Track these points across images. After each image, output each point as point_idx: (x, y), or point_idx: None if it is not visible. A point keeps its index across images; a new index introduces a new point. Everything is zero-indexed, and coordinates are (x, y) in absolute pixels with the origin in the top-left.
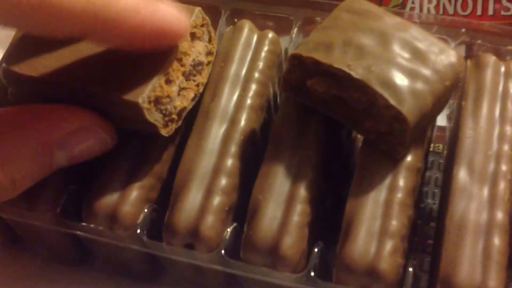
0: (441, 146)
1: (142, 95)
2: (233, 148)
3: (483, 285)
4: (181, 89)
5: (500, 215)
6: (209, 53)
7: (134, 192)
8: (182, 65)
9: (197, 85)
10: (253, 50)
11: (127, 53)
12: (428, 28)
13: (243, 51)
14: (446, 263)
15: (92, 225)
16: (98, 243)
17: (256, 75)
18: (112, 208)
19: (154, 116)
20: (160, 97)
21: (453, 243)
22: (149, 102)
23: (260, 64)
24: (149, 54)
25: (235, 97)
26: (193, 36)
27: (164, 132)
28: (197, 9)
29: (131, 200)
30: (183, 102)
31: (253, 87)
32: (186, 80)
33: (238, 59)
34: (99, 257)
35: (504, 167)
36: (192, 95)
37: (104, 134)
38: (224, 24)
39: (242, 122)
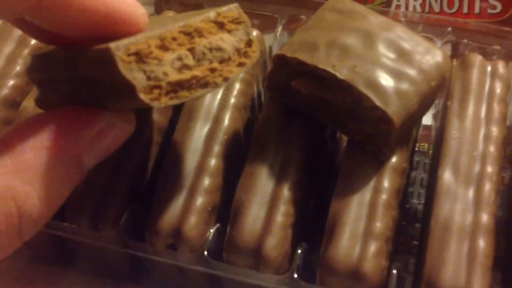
0: (426, 145)
1: (118, 43)
2: (217, 148)
3: (468, 287)
4: (185, 66)
5: (485, 217)
6: (243, 55)
7: (118, 193)
8: (192, 42)
9: (212, 71)
10: None
11: None
12: (413, 27)
13: None
14: (430, 265)
15: (74, 226)
16: (81, 244)
17: (240, 74)
18: (95, 209)
19: (133, 74)
20: (143, 54)
21: (438, 245)
22: (128, 54)
23: None
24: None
25: (218, 96)
26: (221, 25)
27: (145, 97)
28: (233, 5)
29: (115, 201)
30: (181, 76)
31: (237, 86)
32: (196, 62)
33: None
34: (83, 257)
35: (489, 168)
36: (197, 74)
37: (124, 123)
38: None
39: (226, 122)
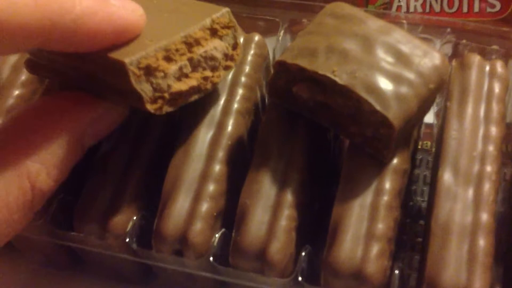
0: (429, 143)
1: (131, 57)
2: (221, 153)
3: (469, 286)
4: (184, 74)
5: (485, 217)
6: (229, 58)
7: (124, 200)
8: (191, 51)
9: (205, 79)
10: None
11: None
12: (414, 28)
13: None
14: (431, 265)
15: (82, 235)
16: (90, 251)
17: (243, 79)
18: (102, 216)
19: (142, 85)
20: (152, 68)
21: (438, 245)
22: (139, 68)
23: (247, 68)
24: (153, 29)
25: (221, 102)
26: (214, 32)
27: (150, 107)
28: (225, 10)
29: (121, 208)
30: (181, 86)
31: (240, 91)
32: (192, 68)
33: None
34: (91, 262)
35: (489, 168)
36: (194, 83)
37: (120, 108)
38: None
39: (230, 127)
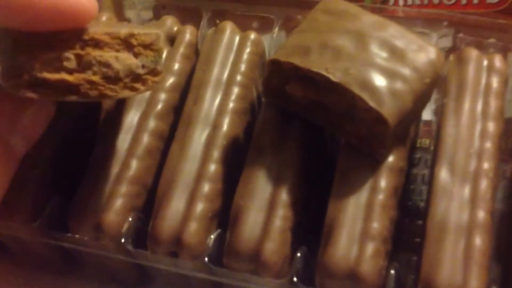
0: (428, 141)
1: None
2: (216, 153)
3: (465, 286)
4: (63, 67)
5: (481, 214)
6: (139, 80)
7: (119, 201)
8: (83, 49)
9: (90, 83)
10: (235, 53)
11: None
12: (411, 22)
13: (225, 54)
14: (427, 264)
15: (77, 236)
16: (85, 253)
17: (239, 78)
18: (97, 217)
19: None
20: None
21: (434, 244)
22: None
23: (242, 67)
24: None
25: (217, 102)
26: (129, 46)
27: (3, 81)
28: (155, 32)
29: (116, 209)
30: (47, 75)
31: (236, 90)
32: (79, 67)
33: (220, 62)
34: (87, 265)
35: (486, 165)
36: (69, 79)
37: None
38: (206, 26)
39: (225, 127)
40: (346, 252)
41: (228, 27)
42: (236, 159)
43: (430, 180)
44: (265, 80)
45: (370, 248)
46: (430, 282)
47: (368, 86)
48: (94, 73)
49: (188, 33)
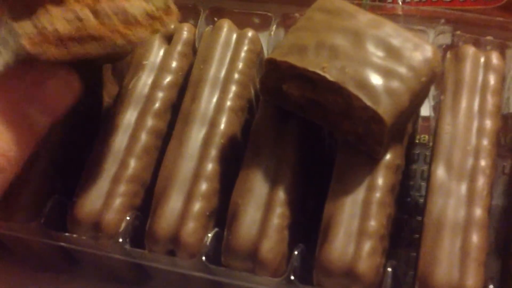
0: (426, 137)
1: None
2: (213, 152)
3: (461, 283)
4: (82, 23)
5: (478, 212)
6: (156, 19)
7: (117, 200)
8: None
9: (112, 32)
10: (232, 51)
11: None
12: (409, 20)
13: (222, 52)
14: (424, 261)
15: (75, 235)
16: (84, 252)
17: (236, 76)
18: (96, 216)
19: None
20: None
21: (431, 241)
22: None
23: (240, 65)
24: None
25: (214, 100)
26: None
27: (30, 48)
28: None
29: (114, 208)
30: (68, 28)
31: (233, 88)
32: (98, 19)
33: (217, 60)
34: (86, 264)
35: (483, 162)
36: (91, 32)
37: (63, 72)
38: (204, 23)
39: (222, 125)
40: (344, 250)
41: (226, 25)
42: (234, 158)
43: (428, 177)
44: (262, 79)
45: (367, 245)
46: (427, 279)
47: (365, 85)
48: (114, 21)
49: (186, 31)
